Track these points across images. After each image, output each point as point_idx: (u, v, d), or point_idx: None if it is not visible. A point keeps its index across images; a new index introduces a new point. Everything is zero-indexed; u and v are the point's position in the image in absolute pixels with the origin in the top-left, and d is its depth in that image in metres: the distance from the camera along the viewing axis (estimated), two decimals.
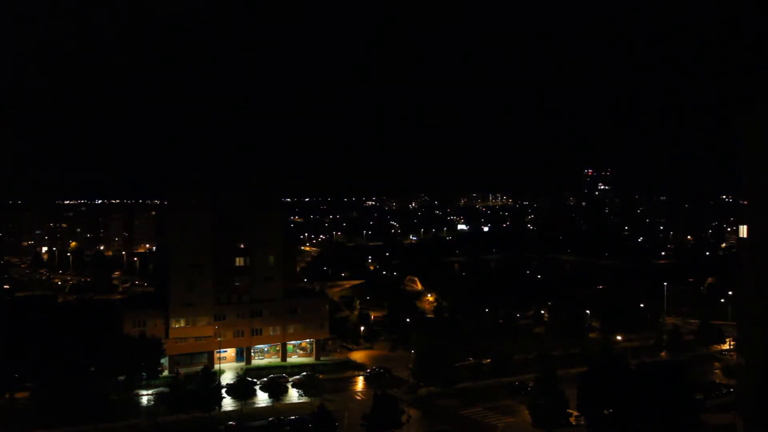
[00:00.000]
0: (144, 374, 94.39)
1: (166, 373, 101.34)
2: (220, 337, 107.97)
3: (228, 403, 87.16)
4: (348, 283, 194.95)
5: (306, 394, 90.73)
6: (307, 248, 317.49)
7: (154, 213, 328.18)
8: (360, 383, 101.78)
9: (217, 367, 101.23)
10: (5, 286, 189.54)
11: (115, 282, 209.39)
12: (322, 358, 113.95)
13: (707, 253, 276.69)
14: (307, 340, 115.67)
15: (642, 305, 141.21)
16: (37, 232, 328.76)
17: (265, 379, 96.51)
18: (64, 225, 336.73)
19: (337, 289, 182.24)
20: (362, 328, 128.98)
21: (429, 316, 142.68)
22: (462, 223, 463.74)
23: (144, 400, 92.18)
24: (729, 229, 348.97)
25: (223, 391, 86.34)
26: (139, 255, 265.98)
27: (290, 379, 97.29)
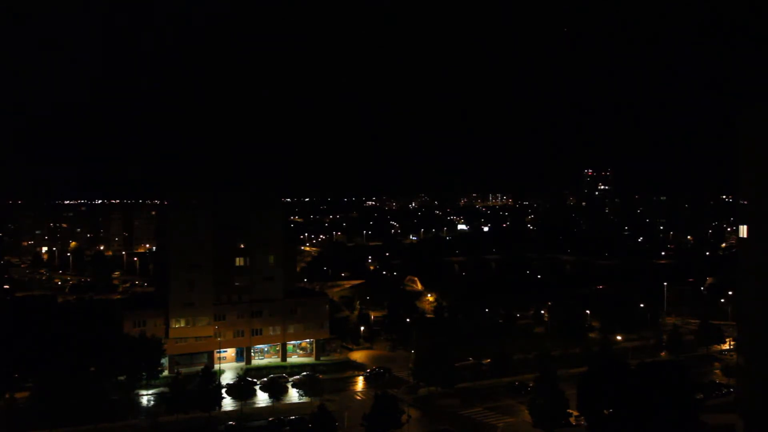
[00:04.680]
0: (144, 374, 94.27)
1: (166, 373, 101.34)
2: (220, 337, 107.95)
3: (228, 403, 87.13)
4: (348, 283, 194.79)
5: (306, 394, 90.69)
6: (307, 248, 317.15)
7: (154, 213, 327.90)
8: (360, 383, 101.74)
9: (217, 367, 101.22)
10: (5, 286, 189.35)
11: (115, 282, 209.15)
12: (322, 358, 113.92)
13: (707, 253, 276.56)
14: (307, 340, 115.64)
15: (642, 305, 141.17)
16: (37, 232, 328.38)
17: (265, 379, 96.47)
18: (64, 225, 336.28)
19: (337, 289, 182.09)
20: (362, 328, 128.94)
21: (429, 316, 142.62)
22: (462, 223, 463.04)
23: (144, 400, 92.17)
24: (729, 229, 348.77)
25: (223, 391, 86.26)
26: (139, 255, 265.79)
27: (290, 379, 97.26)
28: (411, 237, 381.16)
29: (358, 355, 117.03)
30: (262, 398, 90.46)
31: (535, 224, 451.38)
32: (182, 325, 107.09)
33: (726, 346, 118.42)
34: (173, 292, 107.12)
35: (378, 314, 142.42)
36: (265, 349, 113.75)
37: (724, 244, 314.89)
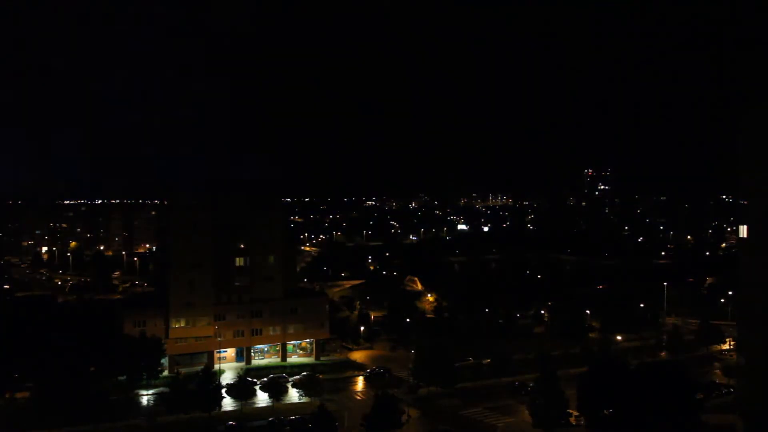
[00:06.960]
0: (144, 374, 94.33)
1: (166, 373, 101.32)
2: (220, 337, 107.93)
3: (228, 403, 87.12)
4: (348, 283, 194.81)
5: (306, 394, 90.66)
6: (307, 248, 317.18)
7: (154, 213, 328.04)
8: (360, 383, 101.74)
9: (217, 367, 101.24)
10: (5, 286, 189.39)
11: (115, 282, 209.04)
12: (322, 358, 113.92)
13: (707, 253, 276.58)
14: (307, 340, 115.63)
15: (642, 305, 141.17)
16: (37, 232, 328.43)
17: (265, 379, 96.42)
18: (64, 225, 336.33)
19: (337, 289, 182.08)
20: (362, 328, 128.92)
21: (429, 316, 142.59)
22: (462, 223, 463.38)
23: (144, 400, 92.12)
24: (729, 229, 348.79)
25: (223, 391, 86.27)
26: (139, 255, 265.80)
27: (290, 379, 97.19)
28: (411, 237, 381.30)
29: (358, 355, 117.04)
30: (262, 398, 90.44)
31: (535, 224, 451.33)
32: (182, 325, 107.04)
33: (726, 346, 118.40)
34: (173, 292, 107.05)
35: (378, 314, 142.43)
36: (265, 349, 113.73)
37: (724, 244, 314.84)
